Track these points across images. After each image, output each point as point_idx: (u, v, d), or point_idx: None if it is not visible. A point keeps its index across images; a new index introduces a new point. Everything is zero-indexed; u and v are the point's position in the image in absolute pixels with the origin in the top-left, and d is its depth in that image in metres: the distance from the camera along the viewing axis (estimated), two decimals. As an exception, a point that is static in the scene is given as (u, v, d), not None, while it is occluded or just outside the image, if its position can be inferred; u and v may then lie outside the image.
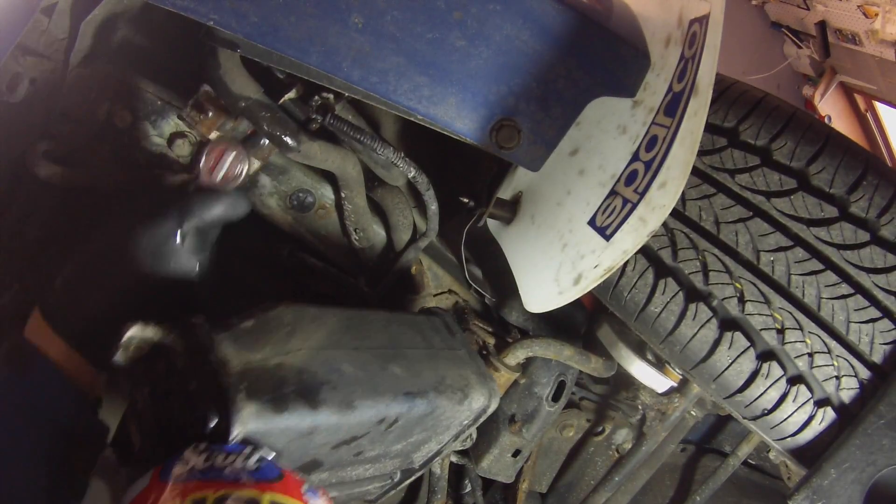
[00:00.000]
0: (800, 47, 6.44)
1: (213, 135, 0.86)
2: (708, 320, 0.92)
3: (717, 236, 0.94)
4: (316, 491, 0.58)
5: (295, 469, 0.69)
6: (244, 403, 0.60)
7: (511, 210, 1.04)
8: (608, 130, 0.86)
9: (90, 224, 0.78)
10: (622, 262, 0.77)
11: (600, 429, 1.35)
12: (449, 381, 0.80)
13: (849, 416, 0.87)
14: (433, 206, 1.00)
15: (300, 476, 0.60)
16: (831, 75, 6.44)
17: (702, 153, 0.97)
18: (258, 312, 0.72)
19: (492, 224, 1.09)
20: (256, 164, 0.89)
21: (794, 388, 0.89)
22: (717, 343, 0.91)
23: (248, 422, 0.60)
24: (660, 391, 1.20)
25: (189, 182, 0.85)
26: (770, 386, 0.89)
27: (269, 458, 0.58)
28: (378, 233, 1.07)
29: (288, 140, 0.83)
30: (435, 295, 1.14)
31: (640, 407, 1.31)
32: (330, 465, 0.74)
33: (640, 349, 1.16)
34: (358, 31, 0.74)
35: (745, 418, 0.93)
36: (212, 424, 0.58)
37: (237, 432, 0.58)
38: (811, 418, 0.88)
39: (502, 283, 1.16)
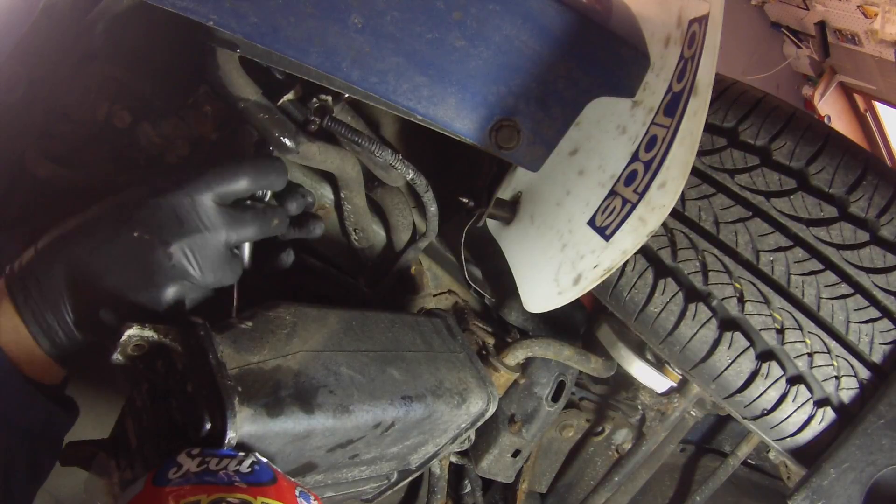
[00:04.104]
0: (799, 47, 6.45)
1: (213, 135, 0.86)
2: (707, 320, 0.92)
3: (716, 236, 0.94)
4: (308, 495, 0.58)
5: (290, 471, 0.69)
6: (239, 408, 0.60)
7: (511, 210, 1.04)
8: (608, 130, 0.86)
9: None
10: (622, 263, 0.77)
11: (600, 429, 1.35)
12: (447, 385, 0.80)
13: (848, 416, 0.87)
14: (432, 208, 1.00)
15: (293, 479, 0.60)
16: (831, 75, 6.44)
17: (701, 153, 0.97)
18: (258, 312, 0.72)
19: (491, 224, 1.09)
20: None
21: (794, 388, 0.89)
22: (716, 343, 0.91)
23: (243, 426, 0.60)
24: (659, 391, 1.20)
25: None
26: (770, 386, 0.89)
27: (263, 461, 0.58)
28: (378, 233, 1.07)
29: (287, 141, 0.83)
30: (434, 295, 1.14)
31: (639, 407, 1.31)
32: (325, 467, 0.74)
33: (639, 349, 1.16)
34: (357, 32, 0.74)
35: (744, 418, 0.93)
36: (206, 428, 0.58)
37: (231, 436, 0.58)
38: (811, 418, 0.88)
39: (502, 284, 1.16)
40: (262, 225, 0.74)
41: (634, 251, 0.75)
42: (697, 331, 0.92)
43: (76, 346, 0.67)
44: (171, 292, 0.68)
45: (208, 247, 0.69)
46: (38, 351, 0.66)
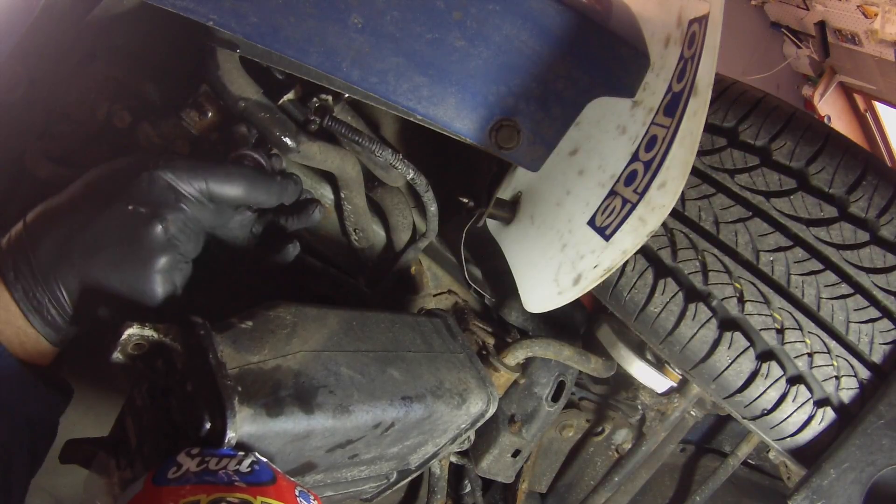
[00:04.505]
0: (799, 47, 6.45)
1: (213, 135, 0.86)
2: (707, 320, 0.92)
3: (716, 236, 0.94)
4: (308, 494, 0.58)
5: (289, 471, 0.69)
6: (239, 408, 0.60)
7: (511, 210, 1.04)
8: (608, 130, 0.86)
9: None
10: (622, 263, 0.77)
11: (600, 429, 1.35)
12: (447, 386, 0.80)
13: (848, 416, 0.87)
14: (432, 208, 1.00)
15: (293, 479, 0.60)
16: (831, 75, 6.44)
17: (701, 153, 0.97)
18: (258, 312, 0.72)
19: (491, 224, 1.09)
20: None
21: (794, 388, 0.89)
22: (716, 343, 0.91)
23: (243, 426, 0.59)
24: (659, 391, 1.20)
25: None
26: (770, 386, 0.89)
27: (263, 461, 0.58)
28: (378, 233, 1.07)
29: (287, 141, 0.83)
30: (434, 295, 1.14)
31: (639, 407, 1.31)
32: (325, 467, 0.74)
33: (639, 349, 1.16)
34: (357, 32, 0.74)
35: (744, 418, 0.93)
36: (206, 427, 0.58)
37: (231, 436, 0.58)
38: (811, 418, 0.88)
39: (502, 283, 1.16)
40: (242, 229, 0.77)
41: (634, 251, 0.75)
42: (697, 331, 0.92)
43: (68, 324, 0.66)
44: (163, 262, 0.67)
45: (194, 225, 0.70)
46: (30, 329, 0.65)
